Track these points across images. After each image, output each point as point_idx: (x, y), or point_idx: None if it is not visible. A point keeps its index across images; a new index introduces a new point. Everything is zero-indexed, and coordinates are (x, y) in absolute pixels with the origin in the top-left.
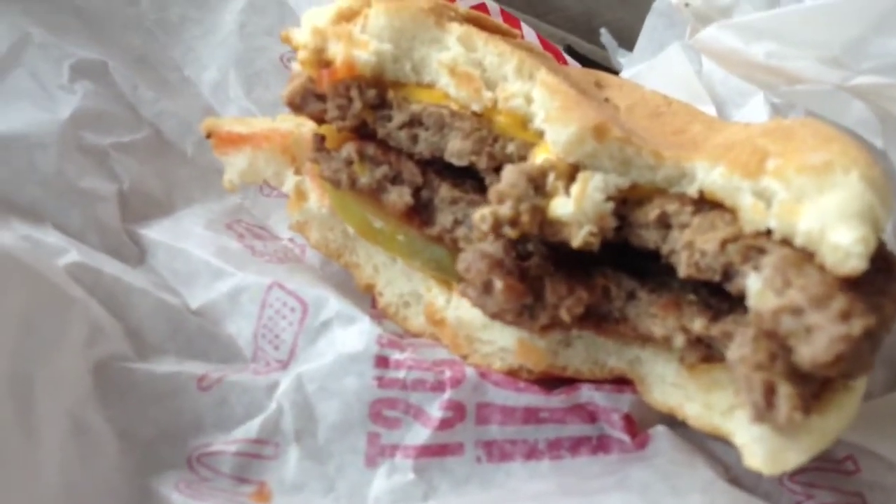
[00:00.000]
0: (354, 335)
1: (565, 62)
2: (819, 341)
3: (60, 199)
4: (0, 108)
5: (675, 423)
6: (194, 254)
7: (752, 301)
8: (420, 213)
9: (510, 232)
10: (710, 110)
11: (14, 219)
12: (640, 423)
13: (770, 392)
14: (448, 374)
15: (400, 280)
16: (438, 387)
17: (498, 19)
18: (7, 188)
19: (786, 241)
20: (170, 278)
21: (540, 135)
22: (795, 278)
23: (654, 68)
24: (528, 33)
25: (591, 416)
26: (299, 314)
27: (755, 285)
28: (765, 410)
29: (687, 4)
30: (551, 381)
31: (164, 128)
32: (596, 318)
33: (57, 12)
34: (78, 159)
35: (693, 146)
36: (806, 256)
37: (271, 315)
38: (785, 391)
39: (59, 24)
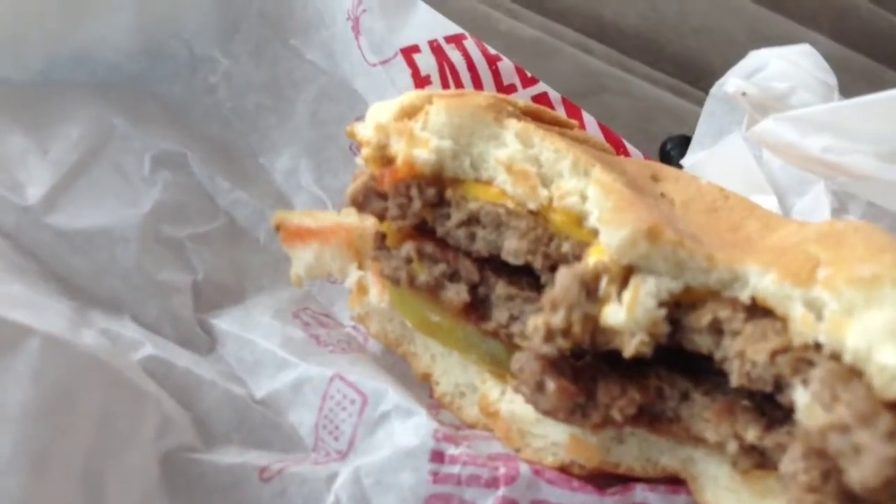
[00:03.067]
0: (411, 429)
1: (626, 151)
2: (867, 463)
3: (139, 292)
4: (85, 201)
5: None
6: (260, 344)
7: (800, 415)
8: (476, 308)
9: (563, 343)
10: (771, 200)
11: (95, 312)
12: None
13: None
14: (502, 470)
15: (456, 370)
16: (493, 483)
17: (559, 108)
18: (90, 282)
19: (835, 356)
20: (237, 367)
21: (595, 233)
22: (843, 393)
23: (714, 156)
24: (590, 122)
25: None
26: (359, 406)
27: (803, 399)
28: None
29: (744, 94)
30: (605, 479)
31: (237, 216)
32: (649, 417)
33: (138, 101)
34: (157, 252)
35: (748, 245)
36: (855, 372)
37: (332, 406)
38: None
39: (140, 114)
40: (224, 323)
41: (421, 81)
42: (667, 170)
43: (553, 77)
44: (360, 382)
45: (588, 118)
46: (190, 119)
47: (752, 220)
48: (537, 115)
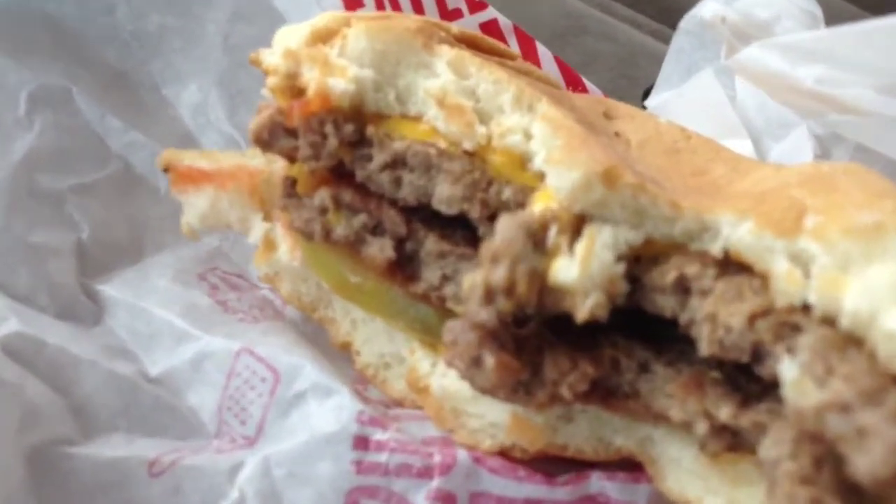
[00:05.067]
0: (331, 411)
1: (585, 88)
2: (876, 449)
3: (6, 256)
4: None
5: None
6: (157, 313)
7: (788, 392)
8: (403, 267)
9: (504, 304)
10: (746, 144)
11: None
12: None
13: None
14: (437, 458)
15: (380, 338)
16: (426, 473)
17: (510, 38)
18: None
19: (827, 320)
20: (128, 341)
21: (540, 177)
22: (839, 365)
23: (683, 96)
24: (545, 55)
25: None
26: (270, 384)
27: (790, 373)
28: None
29: (723, 19)
30: (555, 467)
31: (133, 161)
32: (602, 392)
33: (22, 26)
34: (30, 208)
35: (715, 191)
36: (851, 339)
37: (238, 385)
38: None
39: (22, 42)
40: (114, 289)
41: (352, 2)
42: (621, 107)
43: (533, 18)
44: (272, 357)
45: (543, 51)
46: (82, 45)
47: (718, 162)
48: (474, 42)
